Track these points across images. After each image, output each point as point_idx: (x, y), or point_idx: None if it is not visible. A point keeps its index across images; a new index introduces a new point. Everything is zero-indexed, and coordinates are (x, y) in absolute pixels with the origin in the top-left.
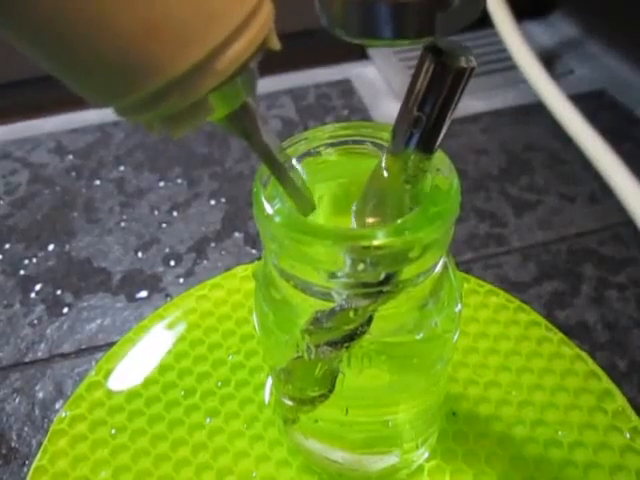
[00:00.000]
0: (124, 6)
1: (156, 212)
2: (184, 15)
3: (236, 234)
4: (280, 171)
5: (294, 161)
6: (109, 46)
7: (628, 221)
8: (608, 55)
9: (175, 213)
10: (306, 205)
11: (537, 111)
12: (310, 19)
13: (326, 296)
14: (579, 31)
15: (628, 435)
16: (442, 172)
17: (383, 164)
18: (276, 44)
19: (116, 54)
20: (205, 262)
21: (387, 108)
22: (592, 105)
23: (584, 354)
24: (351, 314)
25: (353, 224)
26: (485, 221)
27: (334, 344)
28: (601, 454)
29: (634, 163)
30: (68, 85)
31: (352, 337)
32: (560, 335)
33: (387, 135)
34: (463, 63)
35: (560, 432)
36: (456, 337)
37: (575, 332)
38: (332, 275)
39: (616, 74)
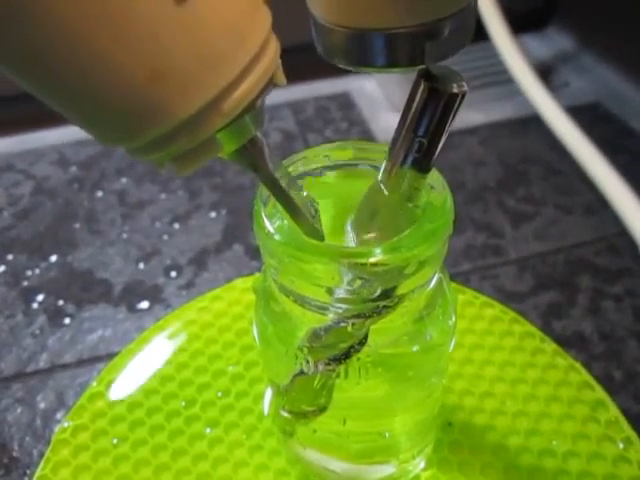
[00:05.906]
0: (128, 55)
1: (157, 224)
2: (188, 62)
3: (236, 245)
4: (288, 203)
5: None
6: (114, 92)
7: (624, 232)
8: (603, 68)
9: (176, 225)
10: (316, 237)
11: (534, 123)
12: (310, 33)
13: (325, 310)
14: (575, 44)
15: (621, 445)
16: (435, 189)
17: (379, 183)
18: (282, 80)
19: (122, 100)
20: (206, 273)
21: (386, 121)
22: (588, 117)
23: (578, 365)
24: (349, 329)
25: (348, 241)
26: (482, 232)
27: (332, 359)
28: (594, 464)
29: (629, 174)
30: (77, 126)
31: (350, 352)
32: (554, 346)
33: (382, 157)
34: (455, 89)
35: (554, 442)
36: (450, 350)
37: (571, 342)
38: (330, 291)
39: (611, 86)
